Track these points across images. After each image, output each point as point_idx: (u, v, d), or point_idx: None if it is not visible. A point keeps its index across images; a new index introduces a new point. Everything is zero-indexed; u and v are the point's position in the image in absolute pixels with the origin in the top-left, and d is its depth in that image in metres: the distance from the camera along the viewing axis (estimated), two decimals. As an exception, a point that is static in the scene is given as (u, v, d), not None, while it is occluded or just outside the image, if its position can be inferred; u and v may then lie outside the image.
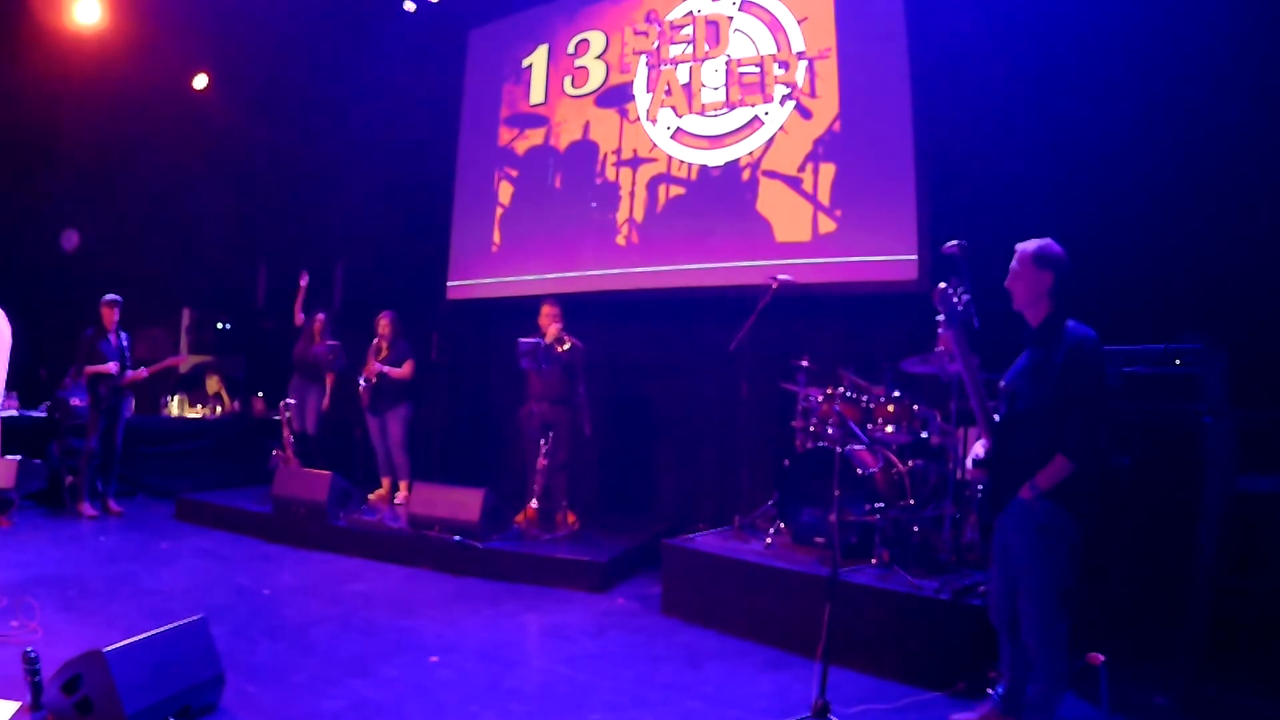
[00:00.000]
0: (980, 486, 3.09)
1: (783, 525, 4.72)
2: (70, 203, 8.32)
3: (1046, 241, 2.92)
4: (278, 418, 7.08)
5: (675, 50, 6.81)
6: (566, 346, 5.73)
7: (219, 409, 8.75)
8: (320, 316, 7.12)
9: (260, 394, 8.83)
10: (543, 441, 5.63)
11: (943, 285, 2.85)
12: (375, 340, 6.70)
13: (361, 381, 6.65)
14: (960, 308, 2.85)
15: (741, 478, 5.67)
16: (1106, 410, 2.98)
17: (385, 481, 6.85)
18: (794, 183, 6.12)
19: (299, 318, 7.26)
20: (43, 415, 7.10)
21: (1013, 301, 2.98)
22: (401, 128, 8.19)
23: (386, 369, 6.57)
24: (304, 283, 7.28)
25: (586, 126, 7.22)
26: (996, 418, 2.98)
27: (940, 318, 2.88)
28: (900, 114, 5.68)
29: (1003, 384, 3.01)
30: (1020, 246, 2.95)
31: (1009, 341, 3.09)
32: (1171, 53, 4.63)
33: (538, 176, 7.46)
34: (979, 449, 3.05)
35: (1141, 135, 4.70)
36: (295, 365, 7.15)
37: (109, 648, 2.69)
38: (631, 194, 6.87)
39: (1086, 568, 2.90)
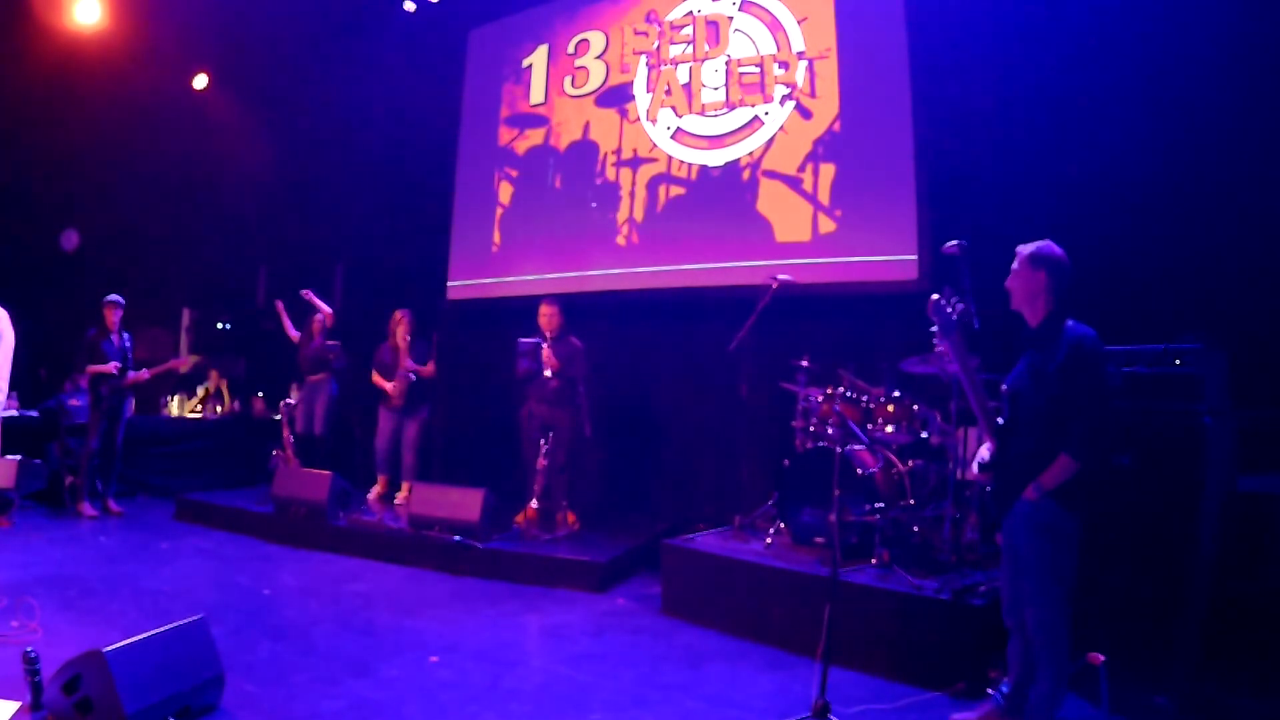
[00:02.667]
0: (988, 489, 3.10)
1: (783, 525, 4.71)
2: (70, 203, 8.32)
3: (1045, 242, 2.95)
4: (278, 418, 7.07)
5: (675, 50, 6.80)
6: (555, 387, 5.72)
7: (219, 409, 8.75)
8: (317, 316, 7.11)
9: (260, 394, 8.83)
10: (543, 442, 5.63)
11: (935, 296, 2.83)
12: (396, 339, 6.64)
13: (397, 381, 6.57)
14: (955, 317, 2.84)
15: (741, 478, 5.66)
16: (1109, 408, 2.98)
17: (381, 479, 6.81)
18: (794, 183, 6.11)
19: (292, 334, 7.27)
20: (36, 415, 7.09)
21: (1011, 301, 2.99)
22: (401, 128, 8.20)
23: (418, 368, 6.57)
24: (305, 294, 7.23)
25: (586, 126, 7.21)
26: (1000, 420, 2.99)
27: (934, 329, 2.88)
28: (900, 114, 5.67)
29: (1004, 387, 3.02)
30: (1020, 248, 2.98)
31: (1010, 342, 3.09)
32: (1172, 53, 4.63)
33: (538, 176, 7.45)
34: (984, 452, 3.05)
35: (1142, 135, 4.70)
36: (302, 366, 7.15)
37: (109, 648, 2.69)
38: (631, 194, 6.87)
39: (1087, 568, 2.91)
